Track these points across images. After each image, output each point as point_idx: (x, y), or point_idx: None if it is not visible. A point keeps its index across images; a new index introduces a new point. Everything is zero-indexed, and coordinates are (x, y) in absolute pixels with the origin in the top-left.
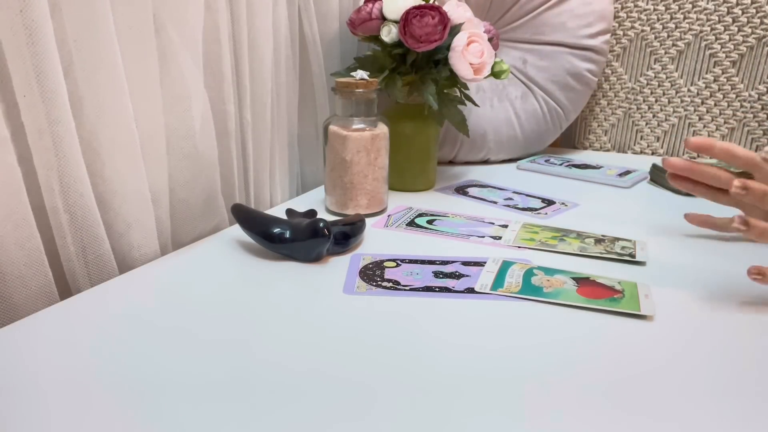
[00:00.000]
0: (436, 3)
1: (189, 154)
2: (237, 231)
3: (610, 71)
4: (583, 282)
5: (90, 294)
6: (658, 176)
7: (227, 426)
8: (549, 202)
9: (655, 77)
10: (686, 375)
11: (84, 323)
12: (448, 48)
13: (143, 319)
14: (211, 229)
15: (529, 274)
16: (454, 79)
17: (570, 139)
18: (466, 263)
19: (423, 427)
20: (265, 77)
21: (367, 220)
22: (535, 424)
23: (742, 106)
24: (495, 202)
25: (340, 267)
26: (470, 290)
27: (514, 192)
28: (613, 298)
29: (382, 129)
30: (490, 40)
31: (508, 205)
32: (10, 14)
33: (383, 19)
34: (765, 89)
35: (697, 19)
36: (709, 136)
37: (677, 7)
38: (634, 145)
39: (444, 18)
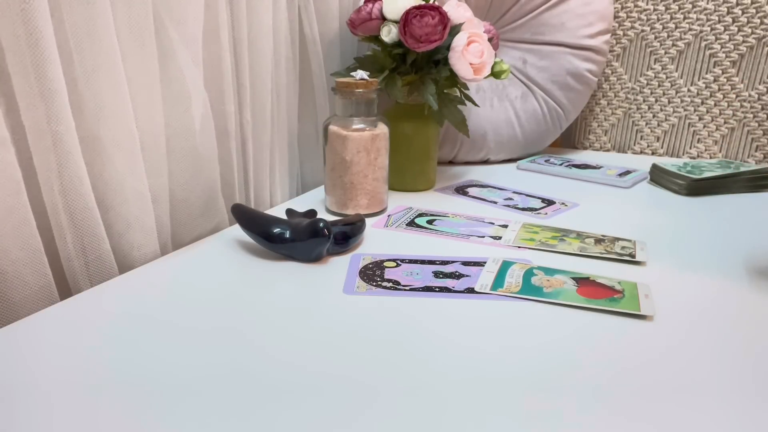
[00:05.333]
0: (436, 3)
1: (189, 154)
2: (237, 231)
3: (610, 71)
4: (583, 282)
5: (90, 294)
6: (658, 176)
7: (227, 425)
8: (549, 202)
9: (655, 77)
10: (686, 375)
11: (84, 323)
12: (448, 48)
13: (143, 318)
14: (211, 229)
15: (529, 274)
16: (454, 79)
17: (570, 139)
18: (466, 263)
19: (422, 426)
20: (265, 77)
21: (367, 220)
22: (535, 424)
23: (742, 106)
24: (495, 202)
25: (340, 267)
26: (470, 290)
27: (514, 192)
28: (612, 298)
29: (382, 129)
30: (490, 40)
31: (508, 205)
32: (10, 14)
33: (383, 19)
34: (765, 89)
35: (697, 19)
36: (708, 136)
37: (677, 7)
38: (634, 145)
39: (444, 18)
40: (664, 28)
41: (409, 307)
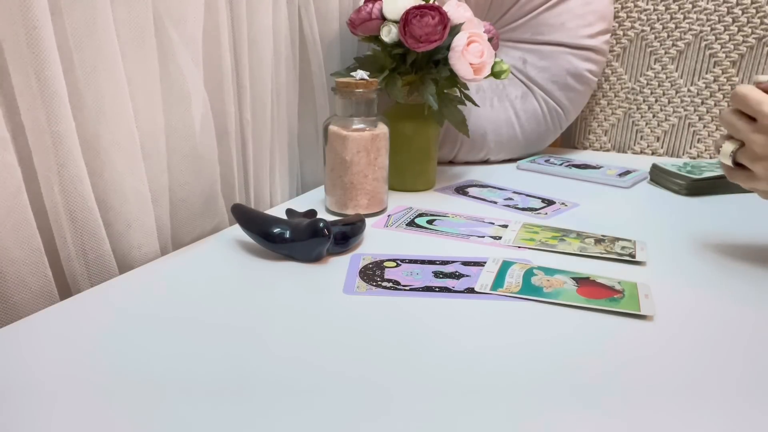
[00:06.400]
0: (436, 3)
1: (189, 154)
2: (237, 231)
3: (610, 71)
4: (583, 282)
5: (90, 294)
6: (658, 176)
7: (227, 424)
8: (549, 202)
9: (655, 77)
10: (686, 375)
11: (84, 323)
12: (448, 48)
13: (143, 319)
14: (211, 229)
15: (529, 274)
16: (454, 79)
17: (570, 139)
18: (466, 263)
19: (422, 426)
20: (265, 77)
21: (367, 220)
22: (535, 423)
23: None
24: (495, 202)
25: (340, 267)
26: (470, 290)
27: (514, 192)
28: (613, 298)
29: (382, 129)
30: (490, 40)
31: (508, 205)
32: (10, 14)
33: (383, 19)
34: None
35: (697, 19)
36: (708, 136)
37: (677, 7)
38: (634, 145)
39: (444, 18)
40: (664, 28)
41: (409, 307)
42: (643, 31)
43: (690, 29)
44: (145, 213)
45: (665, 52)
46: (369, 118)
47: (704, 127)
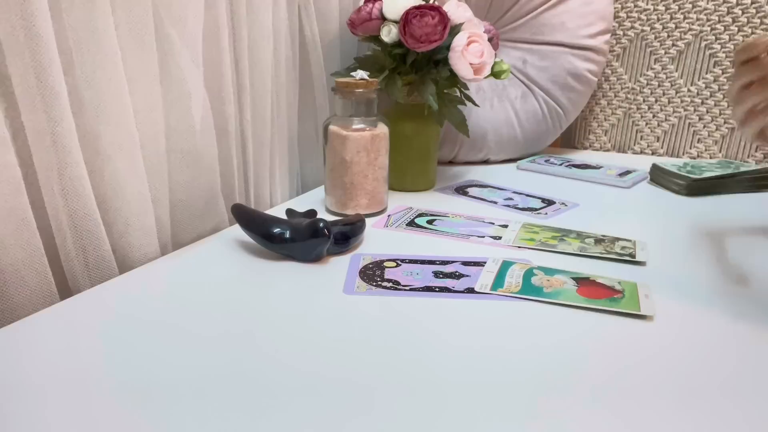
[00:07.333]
0: (436, 3)
1: (189, 154)
2: (237, 231)
3: (610, 71)
4: (583, 282)
5: (90, 294)
6: (658, 176)
7: (226, 425)
8: (549, 202)
9: (655, 77)
10: (686, 375)
11: (84, 323)
12: (448, 48)
13: (143, 319)
14: (211, 229)
15: (529, 274)
16: (454, 79)
17: (570, 139)
18: (466, 263)
19: (422, 427)
20: (265, 77)
21: (367, 220)
22: (535, 424)
23: None
24: (495, 202)
25: (340, 267)
26: (470, 290)
27: (514, 192)
28: (613, 298)
29: (382, 129)
30: (490, 40)
31: (508, 205)
32: (10, 14)
33: (383, 19)
34: None
35: (697, 19)
36: (708, 136)
37: (677, 7)
38: (634, 145)
39: (444, 18)
40: (664, 28)
41: (409, 307)
42: (643, 31)
43: (690, 29)
44: (145, 213)
45: (665, 52)
46: (369, 118)
47: (704, 127)
